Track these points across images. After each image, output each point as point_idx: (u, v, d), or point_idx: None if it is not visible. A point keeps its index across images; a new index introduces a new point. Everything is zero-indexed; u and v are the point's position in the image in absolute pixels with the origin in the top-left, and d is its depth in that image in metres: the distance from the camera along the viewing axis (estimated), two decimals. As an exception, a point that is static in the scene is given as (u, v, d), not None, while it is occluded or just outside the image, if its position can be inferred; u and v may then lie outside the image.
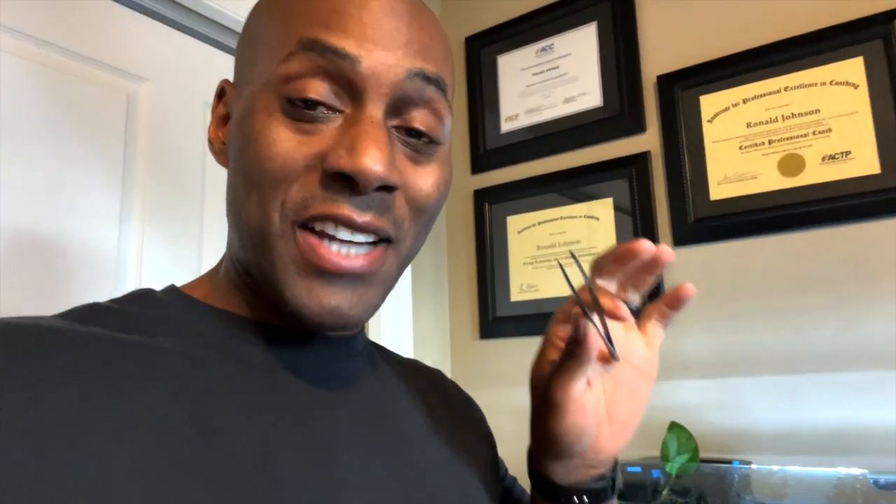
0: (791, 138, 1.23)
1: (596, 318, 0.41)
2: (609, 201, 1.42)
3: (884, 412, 1.09)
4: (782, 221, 1.22)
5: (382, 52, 0.40)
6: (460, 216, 1.64)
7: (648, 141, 1.39)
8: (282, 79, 0.40)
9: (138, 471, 0.32)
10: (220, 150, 0.47)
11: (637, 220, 1.37)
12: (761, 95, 1.27)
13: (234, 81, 0.47)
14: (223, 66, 1.12)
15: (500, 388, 1.42)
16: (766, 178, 1.25)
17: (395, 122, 0.41)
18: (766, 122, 1.26)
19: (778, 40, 1.26)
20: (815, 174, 1.20)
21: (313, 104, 0.39)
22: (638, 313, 0.48)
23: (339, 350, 0.48)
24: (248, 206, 0.41)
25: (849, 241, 1.16)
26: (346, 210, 0.39)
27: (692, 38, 1.36)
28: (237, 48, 0.48)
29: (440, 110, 0.43)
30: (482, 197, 1.59)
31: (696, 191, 1.31)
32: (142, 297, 0.44)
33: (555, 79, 1.53)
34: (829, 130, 1.20)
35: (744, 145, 1.28)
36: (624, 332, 0.47)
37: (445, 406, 0.56)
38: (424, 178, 0.43)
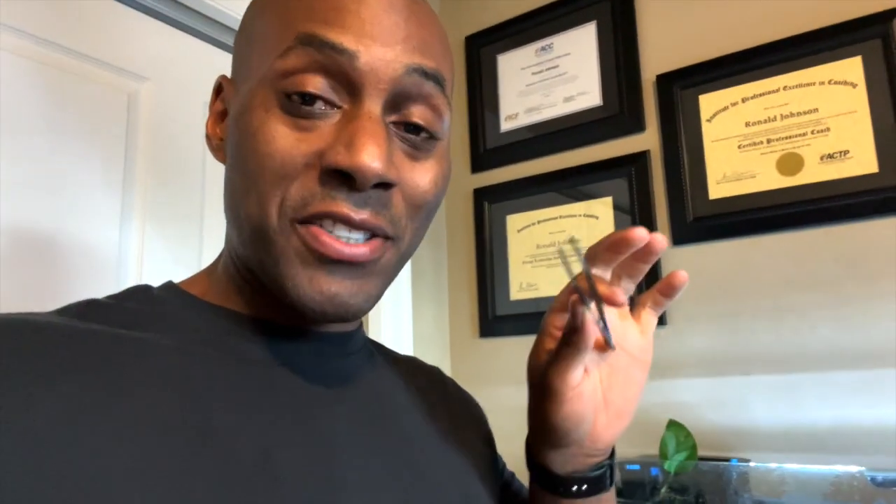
0: (790, 137, 1.24)
1: (593, 305, 0.41)
2: (608, 200, 1.43)
3: (881, 410, 1.10)
4: (781, 220, 1.22)
5: (381, 48, 0.39)
6: (460, 215, 1.64)
7: (647, 140, 1.39)
8: (279, 74, 0.39)
9: (138, 469, 0.32)
10: (217, 146, 0.47)
11: (636, 219, 1.37)
12: (760, 95, 1.28)
13: (232, 77, 0.47)
14: (224, 66, 1.12)
15: (500, 386, 1.43)
16: (764, 178, 1.25)
17: (393, 117, 0.41)
18: (765, 122, 1.27)
19: (777, 40, 1.27)
20: (813, 173, 1.20)
21: (311, 99, 0.39)
22: (632, 302, 0.48)
23: (337, 347, 0.48)
24: (246, 203, 0.41)
25: (847, 241, 1.17)
26: (344, 208, 0.38)
27: (691, 38, 1.37)
28: (235, 44, 0.47)
29: (439, 106, 0.42)
30: (482, 196, 1.60)
31: (695, 190, 1.32)
32: (139, 294, 0.44)
33: (554, 78, 1.53)
34: (828, 130, 1.20)
35: (742, 144, 1.28)
36: (619, 321, 0.48)
37: (444, 403, 0.56)
38: (421, 175, 0.42)
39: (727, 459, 1.11)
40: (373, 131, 0.38)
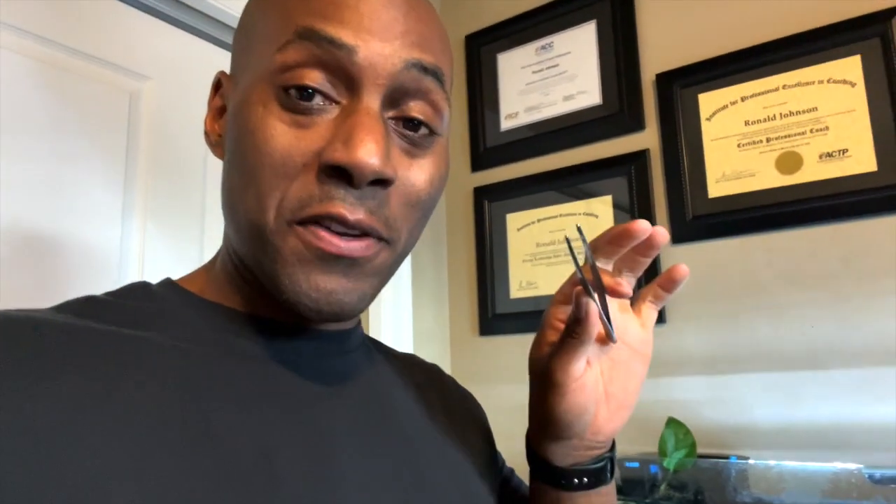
0: (789, 136, 1.24)
1: (597, 297, 0.42)
2: (608, 199, 1.43)
3: (879, 408, 1.10)
4: (780, 219, 1.22)
5: (379, 43, 0.39)
6: (460, 213, 1.64)
7: (647, 139, 1.40)
8: (277, 68, 0.39)
9: (136, 467, 0.32)
10: (216, 142, 0.47)
11: (635, 218, 1.37)
12: (759, 93, 1.28)
13: (231, 73, 0.46)
14: (226, 65, 1.13)
15: (500, 384, 1.43)
16: (763, 176, 1.25)
17: (392, 113, 0.41)
18: (764, 120, 1.27)
19: (776, 39, 1.27)
20: (812, 172, 1.21)
21: (309, 94, 0.39)
22: (631, 297, 0.49)
23: (336, 345, 0.48)
24: (245, 201, 0.40)
25: (846, 239, 1.17)
26: (341, 208, 0.38)
27: (691, 37, 1.37)
28: (233, 39, 0.47)
29: (438, 101, 0.42)
30: (482, 194, 1.60)
31: (694, 188, 1.32)
32: (138, 291, 0.44)
33: (554, 77, 1.53)
34: (827, 128, 1.21)
35: (742, 143, 1.28)
36: (620, 314, 0.48)
37: (443, 401, 0.56)
38: (418, 173, 0.42)
39: (726, 457, 1.11)
40: (371, 127, 0.38)
